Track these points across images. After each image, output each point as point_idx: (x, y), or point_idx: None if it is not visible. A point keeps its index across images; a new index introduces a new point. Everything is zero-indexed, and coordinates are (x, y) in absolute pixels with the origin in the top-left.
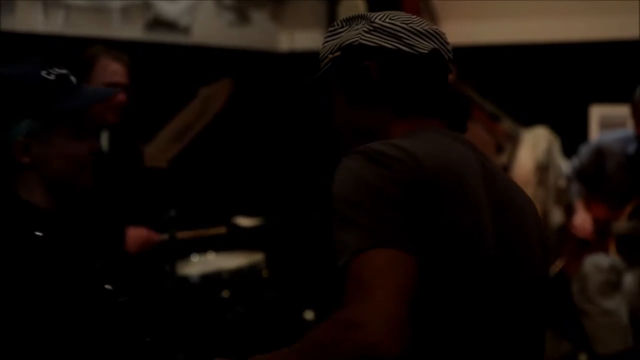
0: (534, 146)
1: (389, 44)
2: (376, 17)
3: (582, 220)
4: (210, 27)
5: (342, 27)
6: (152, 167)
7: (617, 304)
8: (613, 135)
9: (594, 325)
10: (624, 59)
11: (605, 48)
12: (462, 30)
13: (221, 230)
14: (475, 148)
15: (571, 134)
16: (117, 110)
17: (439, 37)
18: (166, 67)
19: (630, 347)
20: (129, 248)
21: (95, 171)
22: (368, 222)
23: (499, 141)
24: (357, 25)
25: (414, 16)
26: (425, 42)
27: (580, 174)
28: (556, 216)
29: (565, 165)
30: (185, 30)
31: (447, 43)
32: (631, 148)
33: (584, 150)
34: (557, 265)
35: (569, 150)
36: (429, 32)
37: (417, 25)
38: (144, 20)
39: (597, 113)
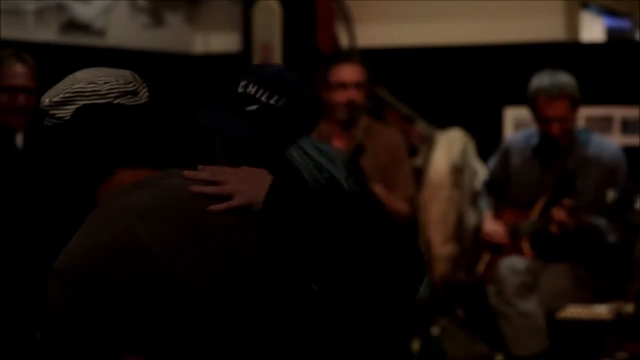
0: (449, 148)
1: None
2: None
3: (493, 225)
4: (125, 30)
5: None
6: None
7: (533, 306)
8: (518, 134)
9: (511, 327)
10: (538, 61)
11: (519, 50)
12: (376, 32)
13: None
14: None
15: (486, 136)
16: (21, 113)
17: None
18: (80, 69)
19: (547, 349)
20: None
21: (9, 172)
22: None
23: (413, 143)
24: None
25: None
26: (65, 108)
27: (489, 185)
28: (471, 218)
29: (480, 167)
30: (100, 32)
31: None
32: (534, 140)
33: (492, 160)
34: (477, 270)
35: (483, 152)
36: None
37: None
38: (58, 23)
39: (511, 115)
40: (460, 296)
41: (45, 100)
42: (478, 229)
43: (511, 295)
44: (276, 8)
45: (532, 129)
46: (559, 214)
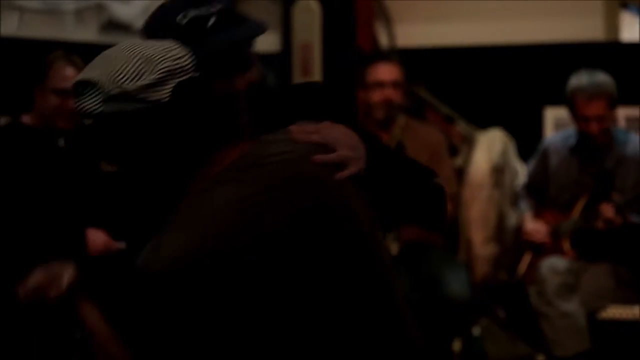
0: (489, 148)
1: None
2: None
3: (534, 225)
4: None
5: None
6: (109, 171)
7: (574, 306)
8: (556, 134)
9: (553, 327)
10: (578, 61)
11: (560, 50)
12: (416, 32)
13: None
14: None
15: (526, 136)
16: (71, 116)
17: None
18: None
19: (588, 349)
20: (90, 250)
21: (51, 175)
22: None
23: (454, 143)
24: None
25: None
26: (159, 89)
27: (528, 188)
28: (512, 218)
29: (520, 167)
30: (140, 32)
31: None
32: (572, 140)
33: (531, 161)
34: (518, 270)
35: (524, 152)
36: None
37: (146, 78)
38: (98, 23)
39: (551, 115)
40: (501, 296)
41: (128, 84)
42: (519, 229)
43: (552, 296)
44: (316, 8)
45: (570, 129)
46: (607, 210)
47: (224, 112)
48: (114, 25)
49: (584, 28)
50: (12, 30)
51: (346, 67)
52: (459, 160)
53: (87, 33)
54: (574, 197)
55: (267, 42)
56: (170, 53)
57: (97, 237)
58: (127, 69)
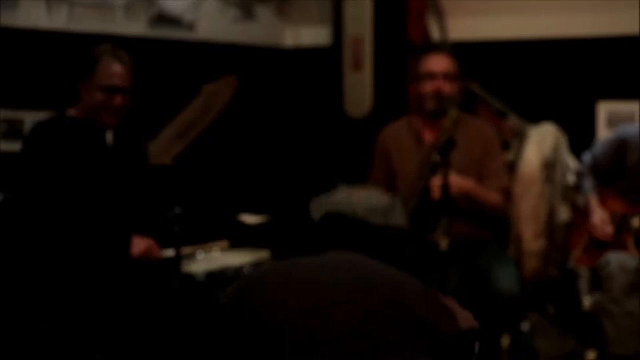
0: (541, 143)
1: None
2: None
3: (601, 220)
4: (215, 24)
5: None
6: (157, 165)
7: (639, 307)
8: (636, 128)
9: (616, 326)
10: (631, 55)
11: (612, 44)
12: (468, 26)
13: (224, 244)
14: None
15: (578, 131)
16: (117, 113)
17: None
18: (170, 63)
19: None
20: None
21: (100, 169)
22: None
23: (505, 138)
24: None
25: None
26: None
27: (594, 169)
28: (563, 213)
29: (572, 163)
30: (190, 26)
31: None
32: None
33: (601, 144)
34: (569, 262)
35: (576, 147)
36: None
37: None
38: (148, 17)
39: (604, 109)
40: (551, 292)
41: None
42: (570, 224)
43: (619, 294)
44: (368, 1)
45: None
46: None
47: None
48: (164, 19)
49: (637, 22)
50: (61, 24)
51: (398, 60)
52: (510, 155)
53: (137, 27)
54: None
55: (318, 36)
56: None
57: (142, 243)
58: None
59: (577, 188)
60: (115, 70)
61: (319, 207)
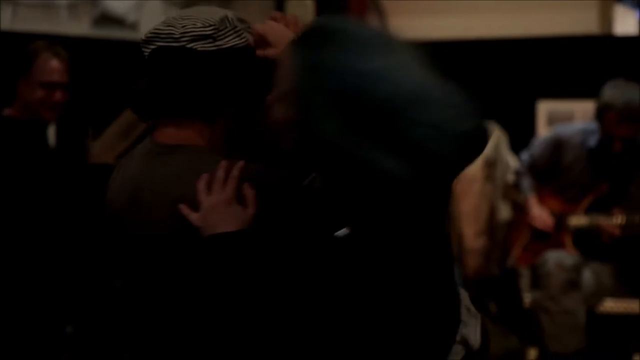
0: None
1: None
2: None
3: (540, 211)
4: (158, 23)
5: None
6: (100, 163)
7: (576, 304)
8: (572, 127)
9: (553, 323)
10: (570, 54)
11: (553, 43)
12: (409, 25)
13: None
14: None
15: (519, 130)
16: (56, 108)
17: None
18: (113, 63)
19: (583, 347)
20: None
21: (41, 168)
22: None
23: None
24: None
25: None
26: (147, 47)
27: (532, 168)
28: (504, 212)
29: (513, 161)
30: (133, 26)
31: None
32: (592, 141)
33: (538, 143)
34: (510, 260)
35: (516, 146)
36: None
37: None
38: (91, 17)
39: (544, 108)
40: (492, 290)
41: (143, 34)
42: (510, 222)
43: (557, 292)
44: (309, 1)
45: (585, 124)
46: (612, 229)
47: (178, 86)
48: (107, 19)
49: (578, 21)
50: (6, 24)
51: None
52: None
53: (81, 27)
54: (582, 193)
55: None
56: (182, 21)
57: None
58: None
59: (516, 187)
60: (53, 65)
61: None
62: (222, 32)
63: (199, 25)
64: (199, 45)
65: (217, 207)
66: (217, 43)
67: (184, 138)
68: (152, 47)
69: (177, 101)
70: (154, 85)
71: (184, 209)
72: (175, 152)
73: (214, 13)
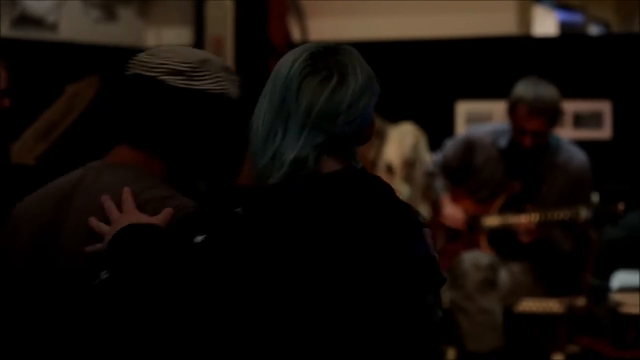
0: (400, 142)
1: None
2: None
3: (452, 210)
4: (77, 24)
5: None
6: (19, 164)
7: (493, 303)
8: (483, 128)
9: (470, 322)
10: (489, 55)
11: (472, 44)
12: (329, 26)
13: None
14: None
15: (437, 130)
16: None
17: None
18: (33, 63)
19: (501, 346)
20: None
21: None
22: None
23: None
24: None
25: None
26: (129, 70)
27: (445, 168)
28: (423, 212)
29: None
30: (52, 27)
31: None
32: (503, 141)
33: (450, 144)
34: None
35: (435, 146)
36: None
37: None
38: (10, 17)
39: (463, 109)
40: None
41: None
42: (429, 223)
43: (473, 291)
44: (228, 2)
45: (499, 125)
46: (527, 228)
47: (135, 114)
48: (26, 20)
49: (497, 22)
50: None
51: (259, 60)
52: (370, 154)
53: None
54: (495, 193)
55: (179, 36)
56: (165, 54)
57: None
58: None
59: (428, 187)
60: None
61: None
62: (199, 73)
63: (177, 60)
64: (170, 79)
65: (126, 216)
66: (190, 82)
67: (131, 161)
68: (131, 72)
69: (133, 127)
70: (118, 109)
71: (93, 221)
72: (116, 168)
73: (199, 54)
